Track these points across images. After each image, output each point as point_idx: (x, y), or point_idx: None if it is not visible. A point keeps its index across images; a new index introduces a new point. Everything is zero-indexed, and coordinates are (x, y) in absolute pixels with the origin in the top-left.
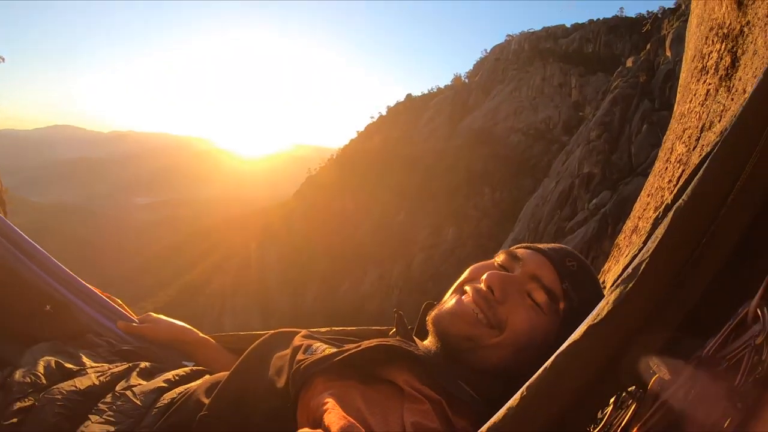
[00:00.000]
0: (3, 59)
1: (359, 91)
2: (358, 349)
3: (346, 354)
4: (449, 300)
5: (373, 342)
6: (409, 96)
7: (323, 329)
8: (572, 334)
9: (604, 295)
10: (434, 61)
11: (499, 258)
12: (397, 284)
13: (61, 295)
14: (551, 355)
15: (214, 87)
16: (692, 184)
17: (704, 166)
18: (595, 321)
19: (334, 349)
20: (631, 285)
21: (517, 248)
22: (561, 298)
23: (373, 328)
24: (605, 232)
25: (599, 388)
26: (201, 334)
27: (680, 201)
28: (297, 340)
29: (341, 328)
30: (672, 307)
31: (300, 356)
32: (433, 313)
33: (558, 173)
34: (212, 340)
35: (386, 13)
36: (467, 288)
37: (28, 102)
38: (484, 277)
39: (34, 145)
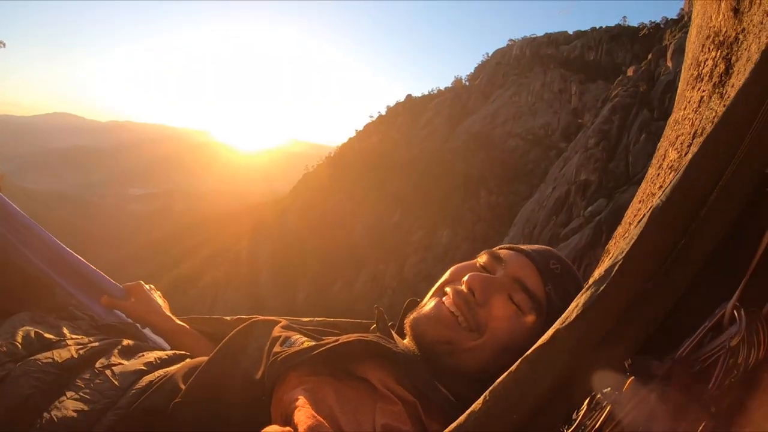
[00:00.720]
0: (4, 44)
1: (358, 91)
2: (336, 343)
3: (323, 348)
4: (429, 302)
5: (352, 337)
6: (409, 97)
7: (305, 319)
8: (539, 339)
9: None
10: (436, 62)
11: (482, 259)
12: (390, 285)
13: (42, 273)
14: None
15: (216, 81)
16: (671, 184)
17: (685, 166)
18: (564, 325)
19: (313, 342)
20: (603, 287)
21: (500, 249)
22: (543, 301)
23: (356, 321)
24: (599, 239)
25: (571, 390)
26: (178, 321)
27: (658, 201)
28: (276, 331)
29: (323, 318)
30: (648, 308)
31: (277, 348)
32: (411, 316)
33: (555, 179)
34: (188, 326)
35: (390, 13)
36: (448, 290)
37: (28, 88)
38: (465, 278)
39: (31, 131)
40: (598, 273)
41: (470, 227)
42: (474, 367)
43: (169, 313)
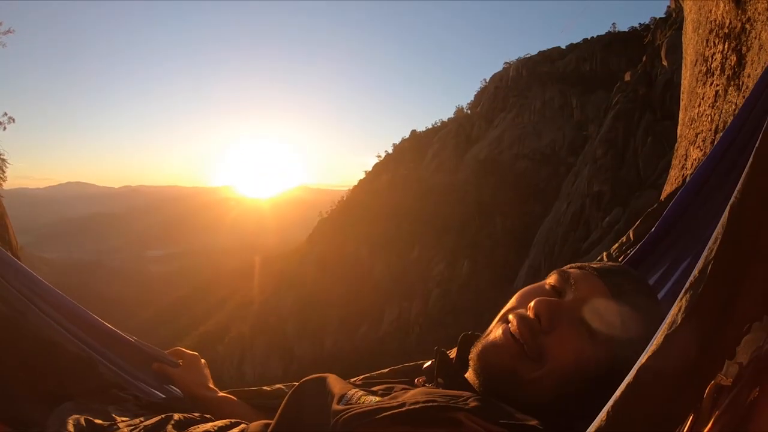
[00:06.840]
0: (13, 120)
1: (362, 130)
2: (402, 408)
3: (390, 412)
4: (495, 330)
5: (419, 398)
6: (413, 132)
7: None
8: (649, 345)
9: (663, 315)
10: (435, 94)
11: (551, 279)
12: (417, 321)
13: (84, 351)
14: (601, 386)
15: (215, 135)
16: (741, 180)
17: (749, 162)
18: (672, 330)
19: (371, 397)
20: (701, 288)
21: (570, 267)
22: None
23: (405, 366)
24: None
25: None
26: (221, 393)
27: (733, 198)
28: (332, 386)
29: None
30: (741, 303)
31: (336, 407)
32: (478, 346)
33: (568, 195)
34: (233, 397)
35: (386, 48)
36: (511, 317)
37: (39, 161)
38: (531, 304)
39: (46, 202)
40: (693, 276)
41: (489, 254)
42: (538, 398)
43: (212, 386)
